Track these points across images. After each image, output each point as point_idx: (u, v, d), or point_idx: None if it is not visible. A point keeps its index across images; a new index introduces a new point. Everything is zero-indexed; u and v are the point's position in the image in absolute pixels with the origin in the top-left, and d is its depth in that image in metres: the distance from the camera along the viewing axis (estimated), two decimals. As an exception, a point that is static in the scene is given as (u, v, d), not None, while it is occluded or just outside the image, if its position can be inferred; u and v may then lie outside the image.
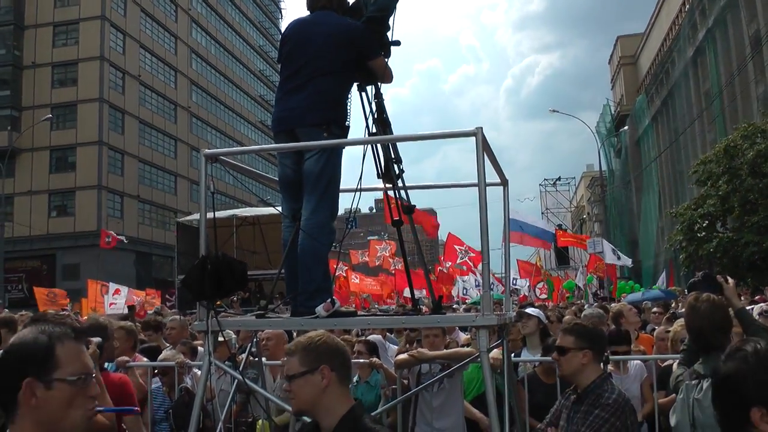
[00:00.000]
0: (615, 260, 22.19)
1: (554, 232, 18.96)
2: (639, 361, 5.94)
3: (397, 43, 4.49)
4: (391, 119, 4.49)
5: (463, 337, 7.97)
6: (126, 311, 16.47)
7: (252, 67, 71.35)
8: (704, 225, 24.24)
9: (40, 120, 40.91)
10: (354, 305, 18.07)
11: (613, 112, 59.27)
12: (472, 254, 18.52)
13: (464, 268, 20.88)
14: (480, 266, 5.94)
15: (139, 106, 51.10)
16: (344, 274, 19.75)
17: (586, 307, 14.03)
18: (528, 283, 22.79)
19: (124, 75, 49.57)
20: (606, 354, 3.89)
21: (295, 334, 6.47)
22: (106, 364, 4.72)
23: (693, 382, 3.53)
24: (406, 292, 18.76)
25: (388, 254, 22.41)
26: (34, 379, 1.85)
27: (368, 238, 53.41)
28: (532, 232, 17.12)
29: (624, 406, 3.53)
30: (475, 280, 21.70)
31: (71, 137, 46.95)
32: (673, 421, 3.66)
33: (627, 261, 22.73)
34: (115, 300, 18.47)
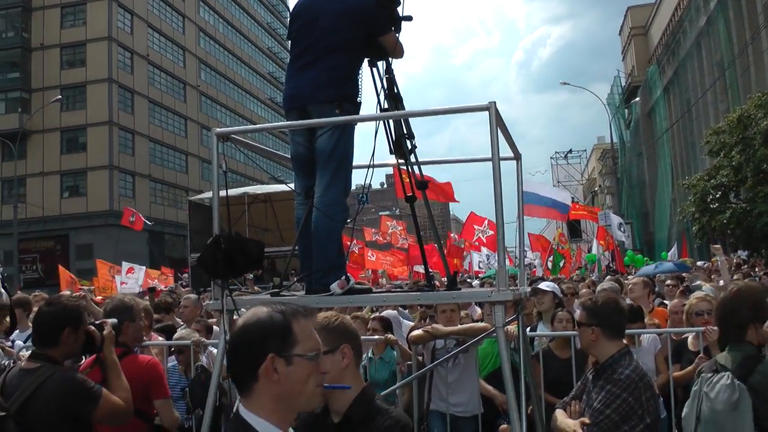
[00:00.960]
0: (618, 235, 22.05)
1: (569, 203, 18.52)
2: (653, 334, 5.90)
3: (409, 18, 4.42)
4: (402, 94, 4.44)
5: (479, 311, 7.98)
6: (140, 290, 16.30)
7: (260, 44, 71.00)
8: (717, 196, 23.98)
9: (50, 101, 40.96)
10: (371, 279, 18.11)
11: (623, 84, 58.72)
12: (490, 232, 18.27)
13: (477, 244, 20.78)
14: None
15: (149, 86, 51.08)
16: (357, 251, 19.68)
17: (595, 280, 14.04)
18: (539, 257, 22.71)
19: (133, 55, 49.50)
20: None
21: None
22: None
23: (709, 374, 3.42)
24: (417, 267, 18.70)
25: (398, 232, 22.35)
26: (275, 354, 1.88)
27: (379, 213, 53.39)
28: (545, 203, 16.88)
29: (638, 381, 3.45)
30: (487, 256, 21.62)
31: (81, 118, 47.04)
32: (684, 411, 3.58)
33: (624, 237, 22.54)
34: (127, 279, 18.30)
